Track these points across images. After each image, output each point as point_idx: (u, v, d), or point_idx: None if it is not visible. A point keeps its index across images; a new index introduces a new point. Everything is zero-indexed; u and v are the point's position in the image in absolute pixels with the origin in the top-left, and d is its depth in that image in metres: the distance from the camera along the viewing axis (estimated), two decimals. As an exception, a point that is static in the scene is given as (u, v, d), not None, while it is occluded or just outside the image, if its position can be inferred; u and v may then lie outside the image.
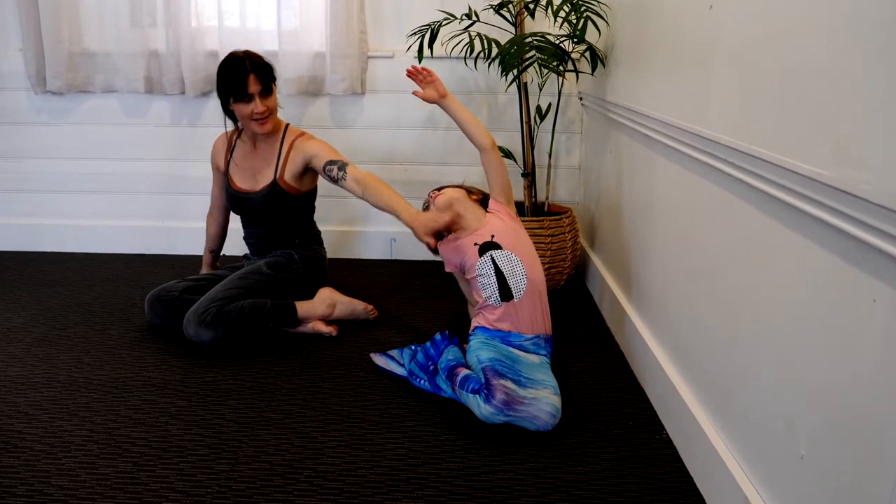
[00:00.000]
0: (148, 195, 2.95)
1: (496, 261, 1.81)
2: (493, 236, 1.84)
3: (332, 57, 2.68)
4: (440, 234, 1.90)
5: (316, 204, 2.36)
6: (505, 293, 1.79)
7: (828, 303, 0.99)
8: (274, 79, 2.13)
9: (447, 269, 1.91)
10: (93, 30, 2.77)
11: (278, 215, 2.22)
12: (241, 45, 2.69)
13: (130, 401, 1.75)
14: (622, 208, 2.15)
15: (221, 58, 2.68)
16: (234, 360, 1.97)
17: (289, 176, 2.17)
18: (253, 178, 2.21)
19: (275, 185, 2.17)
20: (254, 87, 2.05)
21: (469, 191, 1.99)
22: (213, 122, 2.83)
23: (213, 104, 2.83)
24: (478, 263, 1.82)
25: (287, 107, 2.80)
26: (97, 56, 2.77)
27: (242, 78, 2.05)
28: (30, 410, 1.70)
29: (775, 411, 1.15)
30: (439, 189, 2.02)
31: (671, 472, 1.48)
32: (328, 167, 2.08)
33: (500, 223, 1.88)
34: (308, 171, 2.19)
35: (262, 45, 2.72)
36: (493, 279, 1.80)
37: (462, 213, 1.90)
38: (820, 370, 1.01)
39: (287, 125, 2.23)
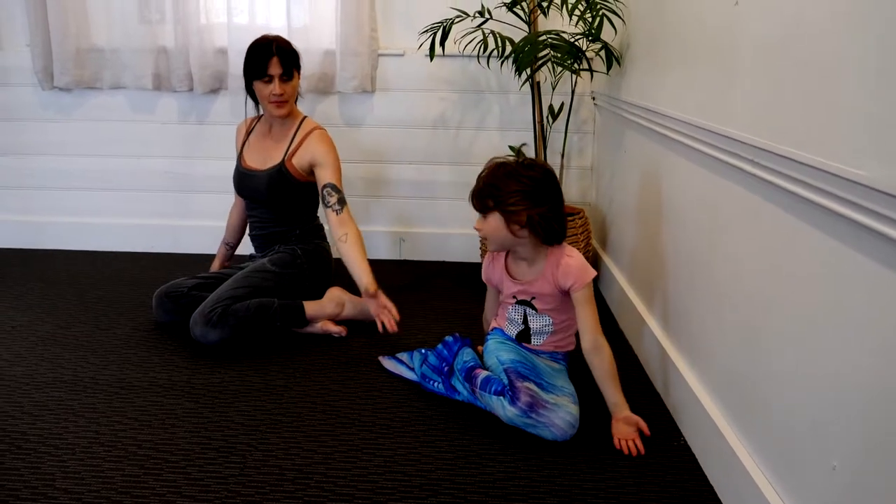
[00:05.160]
0: (155, 193, 2.93)
1: (528, 317, 1.72)
2: (532, 298, 1.69)
3: (342, 55, 2.65)
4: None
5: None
6: (523, 338, 1.74)
7: (865, 309, 0.95)
8: (297, 66, 2.16)
9: (483, 277, 1.81)
10: (101, 26, 2.74)
11: (280, 199, 2.19)
12: (250, 43, 2.69)
13: (137, 402, 1.72)
14: (637, 209, 2.11)
15: (230, 55, 2.70)
16: (242, 361, 1.94)
17: (296, 162, 2.16)
18: (263, 158, 2.21)
19: (281, 167, 2.16)
20: (275, 69, 2.09)
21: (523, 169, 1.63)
22: (221, 119, 2.81)
23: (222, 101, 2.80)
24: (511, 307, 1.74)
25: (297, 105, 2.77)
26: (105, 52, 2.75)
27: (265, 59, 2.09)
28: (34, 411, 1.67)
29: (804, 420, 1.11)
30: (493, 171, 1.65)
31: (690, 481, 1.44)
32: (327, 189, 2.11)
33: (547, 294, 1.67)
34: (312, 172, 2.17)
35: (271, 42, 2.70)
36: (520, 325, 1.74)
37: (515, 246, 1.70)
38: (855, 378, 0.97)
39: (305, 116, 2.25)
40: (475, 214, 2.72)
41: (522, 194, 1.59)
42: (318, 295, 2.18)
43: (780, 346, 1.19)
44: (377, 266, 2.79)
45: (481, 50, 2.34)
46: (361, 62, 2.66)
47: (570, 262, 1.64)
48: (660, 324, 1.86)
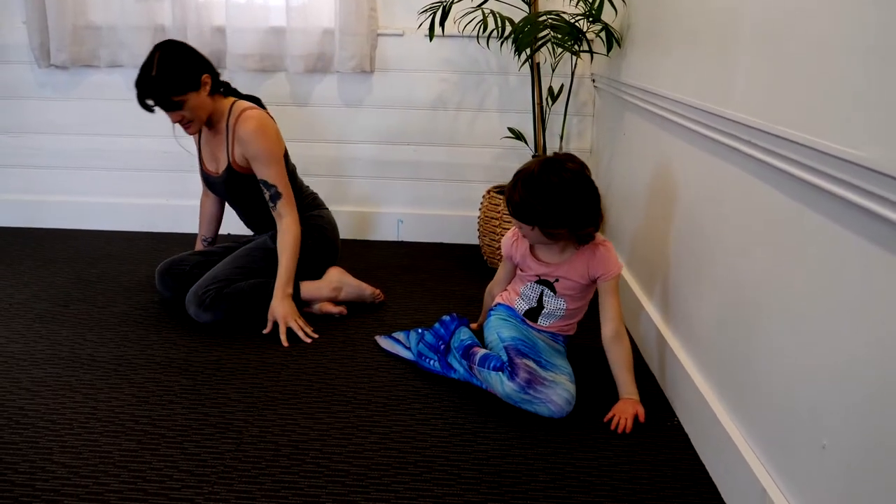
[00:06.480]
0: (152, 172, 2.92)
1: (544, 296, 1.72)
2: (556, 280, 1.70)
3: (341, 34, 2.63)
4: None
5: (303, 176, 2.25)
6: (531, 316, 1.75)
7: (859, 290, 0.95)
8: (180, 92, 1.91)
9: (503, 252, 1.79)
10: (98, 2, 2.72)
11: (248, 197, 2.11)
12: (248, 21, 2.66)
13: (134, 379, 1.73)
14: (636, 192, 2.11)
15: (228, 33, 2.68)
16: (239, 339, 1.95)
17: (240, 160, 2.04)
18: (215, 160, 2.11)
19: (230, 170, 2.05)
20: (151, 104, 1.92)
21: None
22: (219, 98, 2.79)
23: (220, 81, 2.79)
24: (528, 284, 1.74)
25: (295, 85, 2.76)
26: (102, 29, 2.73)
27: (139, 95, 1.91)
28: (32, 387, 1.68)
29: (796, 399, 1.12)
30: (530, 188, 1.56)
31: (683, 460, 1.45)
32: (263, 185, 2.02)
33: (572, 280, 1.68)
34: None
35: (269, 21, 2.69)
36: (532, 303, 1.74)
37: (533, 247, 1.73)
38: (848, 360, 0.98)
39: (234, 102, 2.05)
40: (473, 195, 2.74)
41: (562, 219, 1.56)
42: (321, 267, 2.17)
43: (773, 328, 1.20)
44: (376, 247, 2.82)
45: (481, 30, 2.32)
46: (360, 42, 2.64)
47: (605, 252, 1.66)
48: (658, 307, 1.87)
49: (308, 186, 2.27)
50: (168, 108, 1.94)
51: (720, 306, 1.44)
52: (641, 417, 1.58)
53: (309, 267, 2.14)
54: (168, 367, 1.79)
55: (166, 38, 2.67)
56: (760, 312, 1.25)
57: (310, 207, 2.20)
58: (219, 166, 2.10)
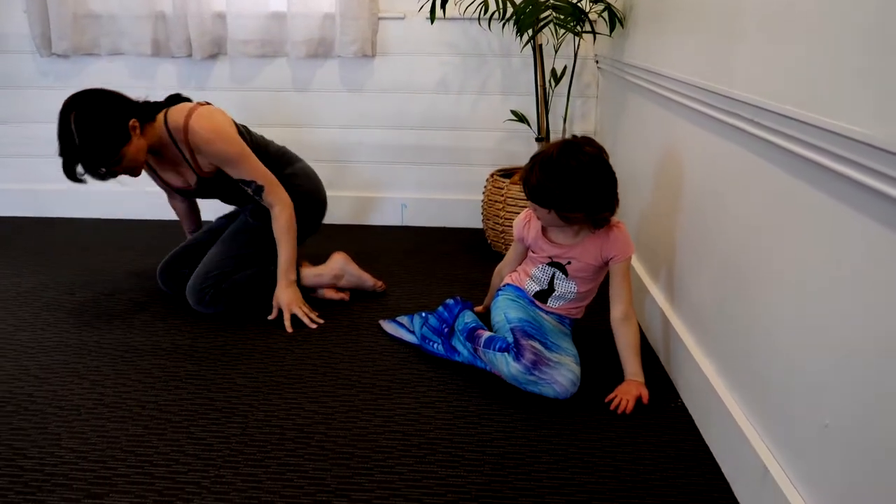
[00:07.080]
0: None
1: (555, 279, 1.71)
2: (568, 262, 1.69)
3: (342, 18, 2.62)
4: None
5: (286, 149, 2.17)
6: (541, 297, 1.74)
7: (861, 268, 0.95)
8: (114, 153, 1.77)
9: (514, 233, 1.78)
10: (98, -10, 2.71)
11: (226, 190, 2.05)
12: (249, 6, 2.65)
13: (140, 365, 1.74)
14: (640, 173, 2.10)
15: (229, 19, 2.66)
16: (244, 325, 1.96)
17: (208, 167, 1.97)
18: (181, 177, 2.04)
19: (201, 180, 1.99)
20: (82, 174, 1.79)
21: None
22: (221, 85, 2.79)
23: (221, 67, 2.78)
24: (539, 266, 1.73)
25: (296, 70, 2.75)
26: (102, 18, 2.72)
27: (66, 167, 1.77)
28: (40, 374, 1.70)
29: (798, 380, 1.11)
30: (548, 171, 1.56)
31: (687, 440, 1.45)
32: (242, 184, 1.96)
33: (585, 262, 1.67)
34: None
35: (270, 6, 2.67)
36: (543, 285, 1.73)
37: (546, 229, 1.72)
38: (849, 338, 0.97)
39: (165, 118, 1.90)
40: (477, 179, 2.73)
41: (579, 202, 1.56)
42: (316, 221, 2.16)
43: (776, 308, 1.19)
44: (380, 232, 2.82)
45: (482, 12, 2.30)
46: (361, 26, 2.62)
47: (619, 234, 1.65)
48: (662, 289, 1.87)
49: (272, 141, 2.13)
50: (106, 178, 1.80)
51: (723, 287, 1.43)
52: (645, 399, 1.58)
53: (303, 228, 2.07)
54: (174, 352, 1.81)
55: (167, 25, 2.70)
56: (762, 292, 1.24)
57: (280, 167, 2.07)
58: (188, 180, 2.03)
